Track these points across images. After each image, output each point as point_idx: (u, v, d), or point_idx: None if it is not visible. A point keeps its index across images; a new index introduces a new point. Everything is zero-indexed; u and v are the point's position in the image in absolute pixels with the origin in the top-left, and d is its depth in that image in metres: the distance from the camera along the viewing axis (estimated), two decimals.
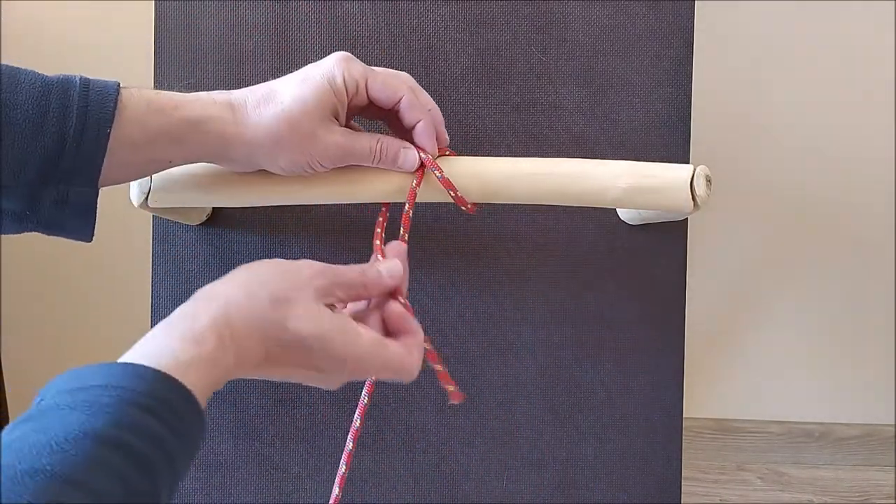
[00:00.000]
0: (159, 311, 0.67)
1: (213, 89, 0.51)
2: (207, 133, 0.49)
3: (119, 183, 0.50)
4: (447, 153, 0.56)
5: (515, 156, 0.60)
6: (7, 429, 0.34)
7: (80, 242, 0.50)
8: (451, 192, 0.54)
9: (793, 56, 1.21)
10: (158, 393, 0.36)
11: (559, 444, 0.69)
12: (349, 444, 0.55)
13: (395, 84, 0.52)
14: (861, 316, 1.33)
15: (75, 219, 0.48)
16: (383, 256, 0.50)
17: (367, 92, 0.52)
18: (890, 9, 1.18)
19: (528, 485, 0.69)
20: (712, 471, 1.38)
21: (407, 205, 0.54)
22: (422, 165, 0.54)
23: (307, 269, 0.45)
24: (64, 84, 0.46)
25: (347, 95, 0.51)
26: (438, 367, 0.51)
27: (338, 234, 0.67)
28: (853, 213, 1.28)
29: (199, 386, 0.39)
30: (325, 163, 0.52)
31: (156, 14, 0.66)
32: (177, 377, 0.37)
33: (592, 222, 0.68)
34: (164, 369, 0.37)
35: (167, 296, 0.67)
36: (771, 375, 1.37)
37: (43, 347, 1.29)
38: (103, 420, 0.33)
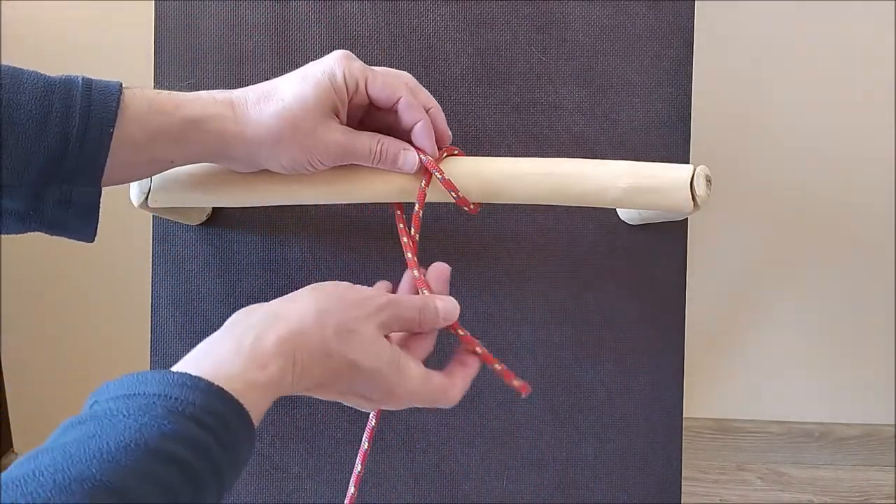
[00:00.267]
0: (159, 311, 0.67)
1: (214, 89, 0.51)
2: (208, 132, 0.49)
3: (121, 183, 0.50)
4: (455, 153, 0.56)
5: (515, 156, 0.59)
6: (60, 430, 0.34)
7: (80, 242, 0.50)
8: (453, 193, 0.54)
9: (793, 56, 1.21)
10: (213, 407, 0.36)
11: (559, 444, 0.69)
12: (364, 444, 0.55)
13: (394, 84, 0.52)
14: (861, 316, 1.33)
15: (78, 219, 0.48)
16: (413, 267, 0.52)
17: (366, 91, 0.52)
18: (890, 9, 1.18)
19: (528, 485, 0.69)
20: (712, 471, 1.38)
21: (417, 205, 0.54)
22: (424, 172, 0.54)
23: (373, 302, 0.46)
24: (66, 84, 0.46)
25: (348, 93, 0.51)
26: (497, 366, 0.51)
27: (338, 234, 0.67)
28: (853, 213, 1.28)
29: (256, 405, 0.39)
30: (325, 161, 0.52)
31: (156, 14, 0.66)
32: (234, 394, 0.38)
33: (592, 222, 0.68)
34: (222, 384, 0.38)
35: (167, 296, 0.67)
36: (771, 375, 1.37)
37: (43, 347, 1.29)
38: (157, 431, 0.34)
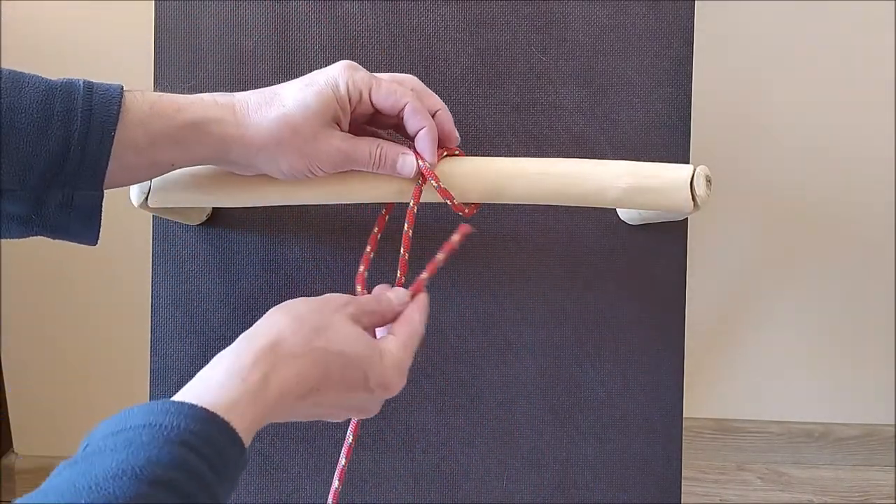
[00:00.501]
0: (159, 311, 0.67)
1: (214, 90, 0.51)
2: (209, 134, 0.49)
3: (122, 185, 0.50)
4: (456, 153, 0.56)
5: (515, 156, 0.59)
6: (54, 473, 0.35)
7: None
8: (449, 202, 0.55)
9: (793, 56, 1.21)
10: (196, 428, 0.37)
11: (559, 444, 0.69)
12: (349, 437, 0.55)
13: (398, 91, 0.52)
14: (861, 316, 1.33)
15: (80, 222, 0.48)
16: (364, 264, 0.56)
17: (370, 100, 0.52)
18: (890, 9, 1.18)
19: (528, 485, 0.69)
20: (712, 471, 1.38)
21: (406, 224, 0.54)
22: (422, 177, 0.54)
23: (335, 301, 0.49)
24: (67, 88, 0.46)
25: (350, 103, 0.51)
26: (425, 275, 0.53)
27: (338, 234, 0.67)
28: (853, 213, 1.28)
29: (241, 418, 0.40)
30: (324, 167, 0.52)
31: (156, 14, 0.66)
32: (218, 412, 0.39)
33: (592, 222, 0.68)
34: (205, 405, 0.39)
35: (167, 296, 0.67)
36: (771, 375, 1.37)
37: (43, 347, 1.29)
38: (143, 458, 0.35)
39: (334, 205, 0.64)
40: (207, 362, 0.43)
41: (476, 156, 0.58)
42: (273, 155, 0.50)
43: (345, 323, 0.47)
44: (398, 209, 0.56)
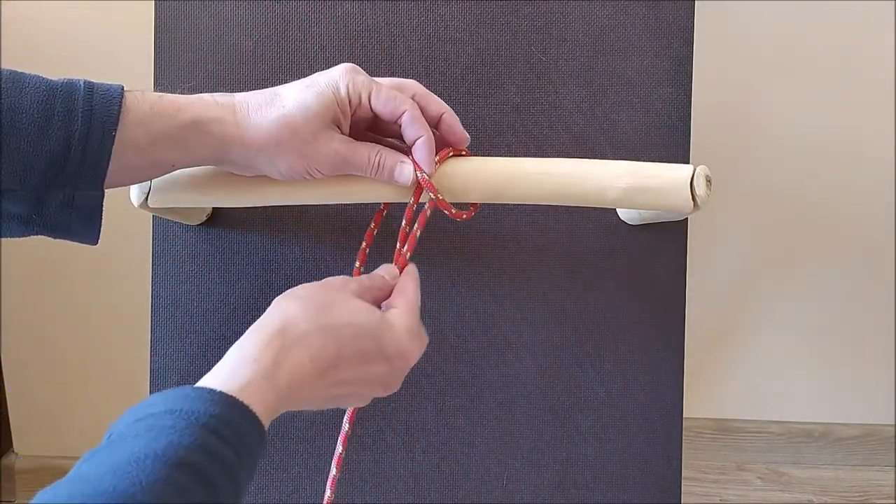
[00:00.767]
0: (159, 311, 0.67)
1: (214, 90, 0.51)
2: (209, 133, 0.49)
3: (123, 185, 0.50)
4: (463, 153, 0.56)
5: (515, 156, 0.60)
6: (79, 462, 0.36)
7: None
8: (447, 212, 0.55)
9: (793, 56, 1.21)
10: (216, 412, 0.38)
11: (559, 444, 0.69)
12: (339, 448, 0.57)
13: (398, 98, 0.52)
14: (861, 316, 1.33)
15: (81, 222, 0.48)
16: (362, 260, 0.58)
17: (370, 105, 0.52)
18: (890, 9, 1.18)
19: (528, 485, 0.69)
20: (712, 471, 1.38)
21: (404, 220, 0.54)
22: (419, 186, 0.54)
23: (335, 281, 0.50)
24: (68, 88, 0.46)
25: (350, 106, 0.51)
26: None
27: (338, 234, 0.67)
28: (853, 213, 1.28)
29: (258, 403, 0.41)
30: (323, 170, 0.52)
31: (156, 14, 0.66)
32: (232, 393, 0.40)
33: (592, 222, 0.68)
34: (221, 388, 0.40)
35: (167, 296, 0.67)
36: (771, 375, 1.37)
37: (43, 347, 1.29)
38: (165, 441, 0.35)
39: (334, 205, 0.64)
40: (207, 362, 0.44)
41: (476, 156, 0.58)
42: (272, 155, 0.50)
43: (350, 298, 0.48)
44: (397, 206, 0.56)
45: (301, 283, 0.49)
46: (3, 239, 0.47)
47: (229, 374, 0.42)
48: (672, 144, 0.68)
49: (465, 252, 0.68)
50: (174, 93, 0.50)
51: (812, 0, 1.17)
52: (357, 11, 0.67)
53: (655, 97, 0.68)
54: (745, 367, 1.37)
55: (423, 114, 0.53)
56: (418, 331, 0.50)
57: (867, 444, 1.39)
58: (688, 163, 0.64)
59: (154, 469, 0.34)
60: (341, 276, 0.51)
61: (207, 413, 0.38)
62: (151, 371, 0.67)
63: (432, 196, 0.54)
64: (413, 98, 0.53)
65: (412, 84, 0.54)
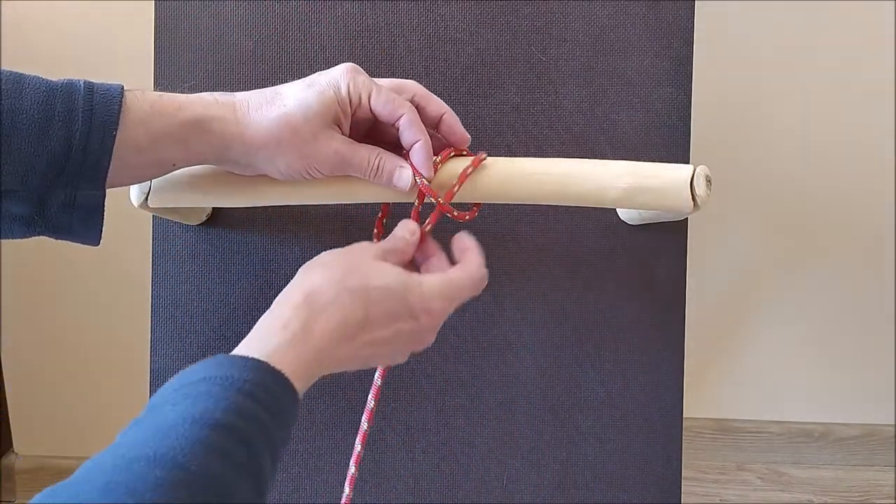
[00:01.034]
0: (159, 311, 0.67)
1: (214, 90, 0.51)
2: (209, 133, 0.49)
3: (123, 185, 0.50)
4: (464, 153, 0.56)
5: (515, 156, 0.60)
6: (121, 432, 0.37)
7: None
8: (449, 214, 0.55)
9: (793, 56, 1.21)
10: (251, 377, 0.40)
11: (559, 444, 0.69)
12: (357, 447, 0.57)
13: (396, 102, 0.52)
14: (861, 316, 1.33)
15: (82, 222, 0.48)
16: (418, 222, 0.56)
17: (369, 105, 0.52)
18: (890, 9, 1.18)
19: (528, 485, 0.69)
20: (712, 471, 1.38)
21: (417, 200, 0.55)
22: (420, 189, 0.54)
23: (358, 247, 0.50)
24: (68, 88, 0.46)
25: (351, 106, 0.51)
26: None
27: (338, 234, 0.67)
28: (853, 213, 1.28)
29: (290, 367, 0.42)
30: (322, 169, 0.52)
31: (156, 14, 0.66)
32: (263, 358, 0.41)
33: (592, 222, 0.68)
34: (254, 355, 0.41)
35: (167, 296, 0.67)
36: (771, 375, 1.37)
37: (43, 347, 1.29)
38: (202, 406, 0.37)
39: (334, 205, 0.64)
40: None
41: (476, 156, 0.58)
42: (272, 154, 0.50)
43: (373, 261, 0.48)
44: (398, 205, 0.56)
45: None
46: (3, 240, 0.47)
47: (259, 342, 0.43)
48: (672, 144, 0.68)
49: None
50: (174, 92, 0.50)
51: (812, 0, 1.17)
52: (357, 11, 0.67)
53: (655, 97, 0.68)
54: (745, 367, 1.37)
55: (423, 114, 0.53)
56: (447, 295, 0.49)
57: (867, 444, 1.39)
58: (688, 163, 0.64)
59: (192, 432, 0.35)
60: (364, 242, 0.51)
61: (242, 378, 0.39)
62: (151, 371, 0.67)
63: (433, 201, 0.54)
64: (413, 99, 0.53)
65: (412, 85, 0.54)
